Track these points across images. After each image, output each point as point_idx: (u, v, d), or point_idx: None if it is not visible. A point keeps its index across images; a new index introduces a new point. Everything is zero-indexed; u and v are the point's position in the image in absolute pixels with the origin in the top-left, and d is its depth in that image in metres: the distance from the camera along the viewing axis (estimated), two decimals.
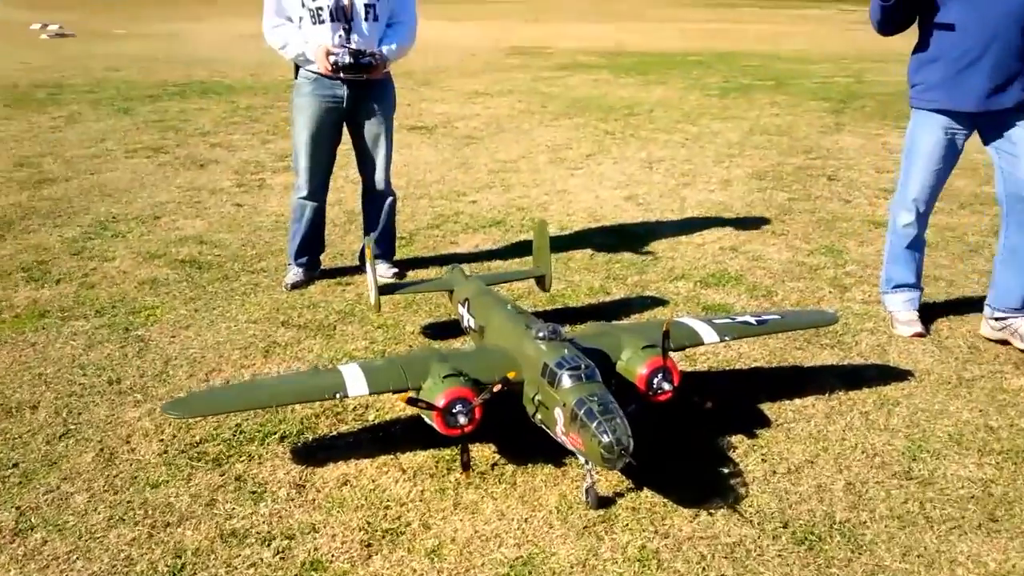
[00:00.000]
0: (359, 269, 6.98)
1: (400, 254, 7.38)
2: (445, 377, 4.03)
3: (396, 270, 6.95)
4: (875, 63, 22.84)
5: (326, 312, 6.25)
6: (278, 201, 9.24)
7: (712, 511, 3.86)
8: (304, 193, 6.69)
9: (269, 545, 3.67)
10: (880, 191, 9.76)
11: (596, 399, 3.73)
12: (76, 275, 6.97)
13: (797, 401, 4.85)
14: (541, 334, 4.21)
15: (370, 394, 4.12)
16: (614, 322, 5.54)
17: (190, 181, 10.25)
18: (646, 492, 3.99)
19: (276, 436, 4.52)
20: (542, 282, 5.89)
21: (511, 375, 3.95)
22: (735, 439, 4.43)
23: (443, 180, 10.47)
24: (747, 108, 16.05)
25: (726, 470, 4.17)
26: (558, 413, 3.87)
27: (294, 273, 6.82)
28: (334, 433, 4.58)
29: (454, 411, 3.94)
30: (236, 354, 5.54)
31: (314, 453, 4.37)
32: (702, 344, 4.62)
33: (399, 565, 3.54)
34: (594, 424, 3.64)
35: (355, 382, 4.11)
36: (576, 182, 10.41)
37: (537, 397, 4.05)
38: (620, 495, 3.99)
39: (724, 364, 5.35)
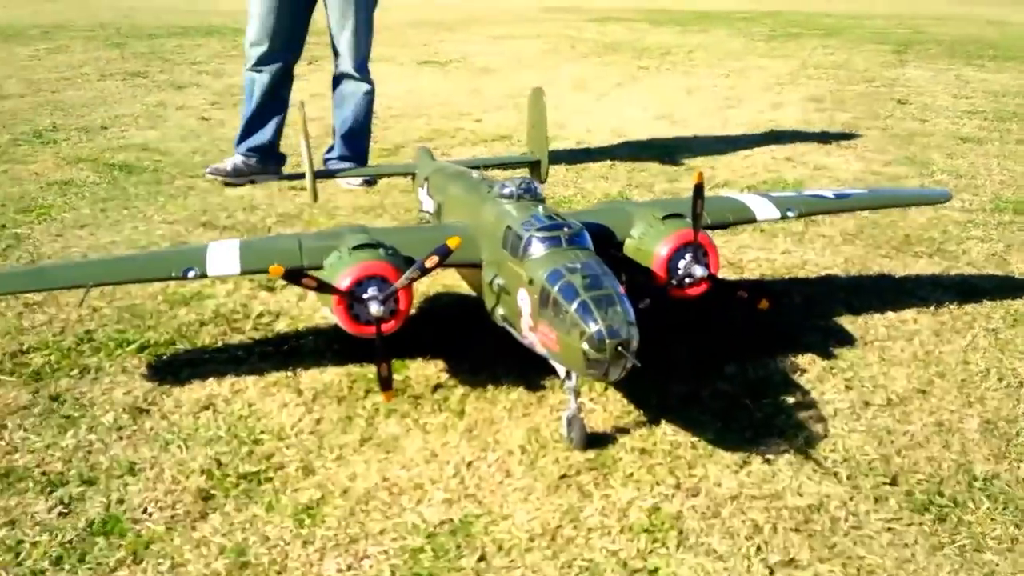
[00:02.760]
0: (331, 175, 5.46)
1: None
2: (355, 249, 2.62)
3: (366, 179, 5.50)
4: (933, 19, 20.92)
5: (264, 214, 4.85)
6: None
7: (770, 457, 2.40)
8: (254, 61, 5.30)
9: (50, 493, 2.29)
10: (963, 113, 8.10)
11: (579, 271, 2.29)
12: None
13: (891, 314, 3.35)
14: (506, 191, 2.78)
15: (241, 273, 2.72)
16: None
17: (161, 100, 8.94)
18: (664, 427, 2.53)
19: (135, 346, 3.14)
20: (536, 171, 4.42)
21: (452, 242, 2.52)
22: (803, 358, 2.95)
23: (448, 103, 9.03)
24: (796, 49, 14.38)
25: (791, 399, 2.70)
26: (523, 298, 2.44)
27: (232, 160, 5.42)
28: (218, 344, 3.19)
29: (364, 296, 2.52)
30: None
31: (179, 369, 2.98)
32: (754, 220, 3.13)
33: (243, 530, 2.13)
34: (575, 305, 2.20)
35: (221, 258, 2.71)
36: (601, 105, 8.91)
37: (497, 281, 2.61)
38: (623, 431, 2.54)
39: (783, 271, 3.86)
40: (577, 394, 2.45)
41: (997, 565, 2.02)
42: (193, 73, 10.94)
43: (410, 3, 19.11)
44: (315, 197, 4.24)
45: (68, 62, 11.71)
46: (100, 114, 8.04)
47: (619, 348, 2.12)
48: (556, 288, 2.26)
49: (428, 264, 2.50)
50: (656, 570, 1.99)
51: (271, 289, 3.70)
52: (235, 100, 8.98)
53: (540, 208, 2.61)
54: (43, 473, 2.37)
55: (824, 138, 6.85)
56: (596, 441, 2.48)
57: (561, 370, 2.45)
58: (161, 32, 16.06)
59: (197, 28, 17.17)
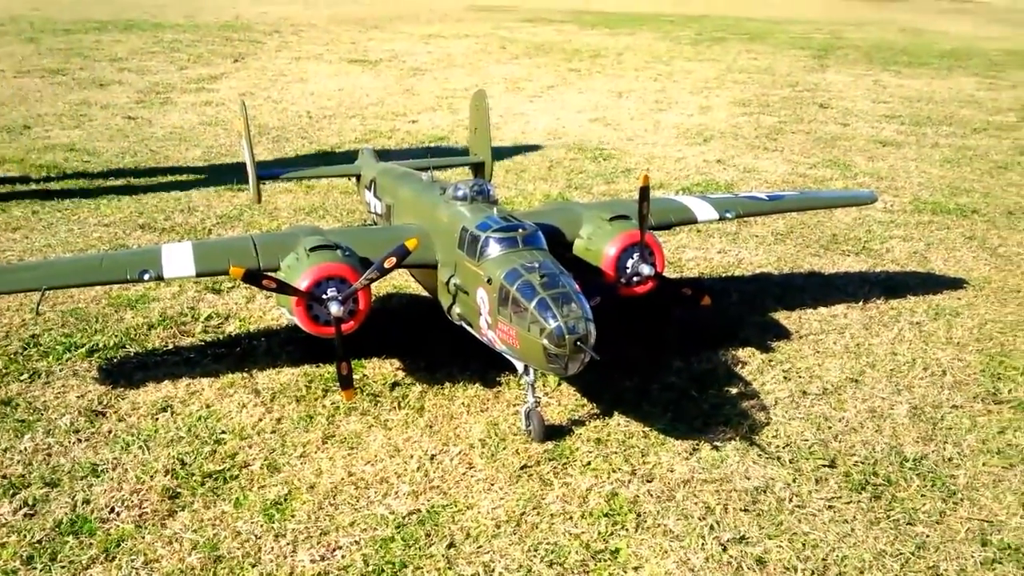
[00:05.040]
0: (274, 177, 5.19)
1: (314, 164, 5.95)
2: (312, 250, 2.66)
3: None
4: (850, 26, 21.76)
5: (203, 216, 4.82)
6: (179, 115, 7.75)
7: (718, 444, 2.54)
8: None
9: (13, 495, 2.28)
10: (881, 117, 8.49)
11: (537, 270, 2.39)
12: None
13: (823, 309, 3.55)
14: (460, 193, 2.86)
15: (197, 275, 2.73)
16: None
17: (83, 98, 8.71)
18: (617, 419, 2.65)
19: (83, 349, 3.11)
20: (481, 172, 4.50)
21: (410, 243, 2.58)
22: (743, 352, 3.11)
23: (381, 103, 9.03)
24: (722, 53, 14.80)
25: (734, 390, 2.85)
26: (481, 297, 2.52)
27: None
28: (169, 347, 3.18)
29: (324, 296, 2.57)
30: None
31: (131, 372, 2.97)
32: (695, 221, 3.28)
33: (213, 526, 2.16)
34: (534, 303, 2.29)
35: (176, 260, 2.71)
36: (535, 107, 9.02)
37: (454, 280, 2.69)
38: (578, 423, 2.65)
39: (719, 269, 4.03)
40: (534, 388, 2.54)
41: (928, 536, 2.19)
42: (115, 70, 10.66)
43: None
44: (259, 198, 4.24)
45: None
46: (21, 113, 7.80)
47: (578, 343, 2.22)
48: (515, 287, 2.35)
49: (387, 265, 2.55)
50: (618, 551, 2.10)
51: (217, 291, 3.70)
52: (161, 98, 8.84)
53: (494, 210, 2.70)
54: (3, 476, 2.35)
55: (752, 141, 7.10)
56: (553, 433, 2.58)
57: (519, 366, 2.53)
58: (77, 27, 15.57)
59: (114, 23, 16.68)
